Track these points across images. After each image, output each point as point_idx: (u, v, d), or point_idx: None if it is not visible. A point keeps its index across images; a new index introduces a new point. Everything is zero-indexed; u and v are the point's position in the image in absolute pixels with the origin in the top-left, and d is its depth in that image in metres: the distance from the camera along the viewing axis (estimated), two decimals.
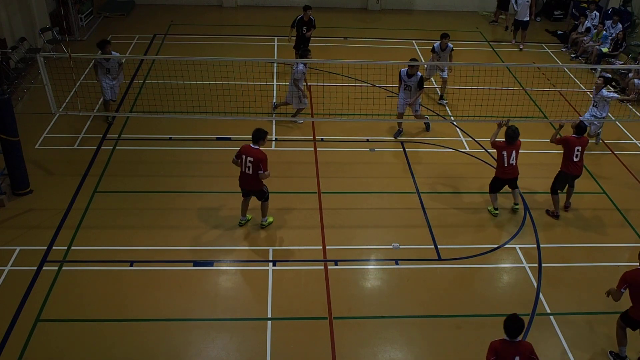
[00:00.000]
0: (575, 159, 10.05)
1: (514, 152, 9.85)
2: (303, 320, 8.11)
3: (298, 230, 9.87)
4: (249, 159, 8.92)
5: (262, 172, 9.00)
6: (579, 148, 9.98)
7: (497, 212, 10.34)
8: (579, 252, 9.69)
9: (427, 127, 13.00)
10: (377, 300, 8.59)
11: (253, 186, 9.29)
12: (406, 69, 12.21)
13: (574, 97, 14.89)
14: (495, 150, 10.14)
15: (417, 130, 13.03)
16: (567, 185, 10.48)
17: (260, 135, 8.99)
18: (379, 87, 14.43)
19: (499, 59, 17.15)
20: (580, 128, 10.08)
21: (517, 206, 10.46)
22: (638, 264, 7.31)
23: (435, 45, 13.99)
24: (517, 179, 10.26)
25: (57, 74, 11.67)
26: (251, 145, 8.99)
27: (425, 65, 14.23)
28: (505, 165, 9.92)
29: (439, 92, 14.59)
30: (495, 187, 10.30)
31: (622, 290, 7.23)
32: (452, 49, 13.90)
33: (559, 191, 10.40)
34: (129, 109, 13.37)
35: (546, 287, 8.91)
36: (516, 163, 9.97)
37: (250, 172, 9.03)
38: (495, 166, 10.25)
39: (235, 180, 11.03)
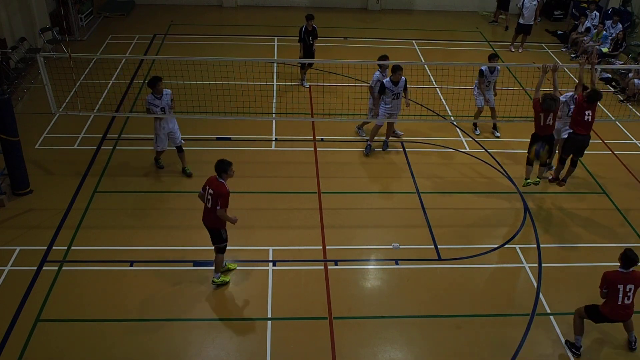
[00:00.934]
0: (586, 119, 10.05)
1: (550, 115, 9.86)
2: (303, 320, 8.11)
3: (298, 230, 9.87)
4: (209, 191, 7.97)
5: (219, 207, 7.90)
6: (589, 112, 9.97)
7: (529, 182, 10.29)
8: (579, 252, 9.69)
9: (395, 134, 12.61)
10: (377, 300, 8.59)
11: (209, 223, 8.21)
12: (387, 77, 11.23)
13: None
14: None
15: (416, 130, 13.02)
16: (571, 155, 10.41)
17: (222, 168, 7.92)
18: None
19: (499, 59, 17.12)
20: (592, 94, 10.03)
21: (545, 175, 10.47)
22: (619, 265, 7.38)
23: (482, 68, 12.29)
24: (553, 137, 10.25)
25: (57, 74, 11.66)
26: (216, 178, 7.99)
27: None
28: (542, 124, 10.01)
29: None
30: (531, 145, 10.21)
31: (604, 290, 7.43)
32: (498, 74, 12.57)
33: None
34: (129, 109, 13.37)
35: (546, 287, 8.91)
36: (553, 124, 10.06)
37: (210, 206, 8.03)
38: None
39: (235, 180, 11.01)
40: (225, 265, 8.88)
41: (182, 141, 11.02)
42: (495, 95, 12.70)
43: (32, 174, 10.60)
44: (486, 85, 12.48)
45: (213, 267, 8.67)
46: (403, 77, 11.37)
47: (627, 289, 7.32)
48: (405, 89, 11.54)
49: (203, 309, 8.28)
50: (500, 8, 20.00)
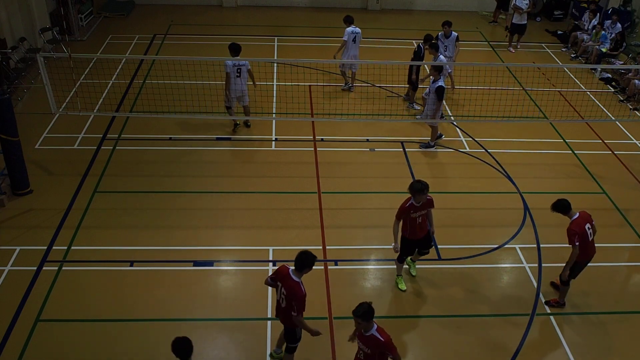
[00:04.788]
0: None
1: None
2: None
3: (298, 230, 9.87)
4: (283, 290, 6.65)
5: (294, 313, 6.61)
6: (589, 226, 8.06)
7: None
8: None
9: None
10: (377, 300, 8.55)
11: (284, 321, 6.95)
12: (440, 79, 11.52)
13: (574, 97, 14.89)
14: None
15: (416, 130, 13.02)
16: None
17: (306, 262, 6.54)
18: (379, 87, 14.43)
19: (499, 59, 17.15)
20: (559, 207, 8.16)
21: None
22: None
23: (439, 34, 13.94)
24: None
25: (57, 74, 11.67)
26: (290, 272, 6.61)
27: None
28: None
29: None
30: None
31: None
32: (458, 38, 13.99)
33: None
34: (129, 109, 13.37)
35: (546, 287, 8.91)
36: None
37: (284, 306, 6.73)
38: None
39: (235, 180, 11.08)
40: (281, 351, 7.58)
41: (246, 102, 12.32)
42: (454, 59, 13.95)
43: (32, 174, 10.60)
44: (444, 50, 13.68)
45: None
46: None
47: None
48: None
49: (203, 309, 8.27)
50: (500, 8, 20.00)
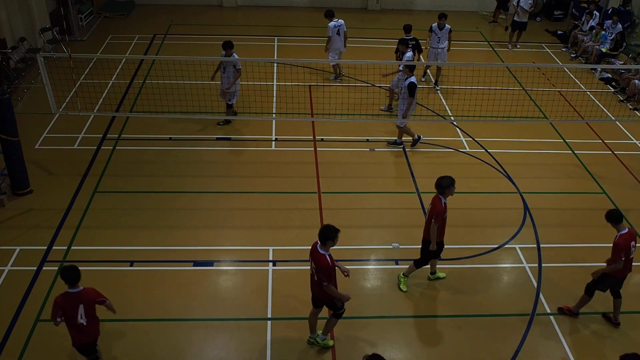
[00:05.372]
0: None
1: None
2: (303, 320, 8.10)
3: (298, 230, 9.87)
4: (313, 264, 7.10)
5: (325, 283, 7.03)
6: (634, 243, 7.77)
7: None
8: (579, 252, 9.69)
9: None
10: (377, 300, 8.59)
11: (319, 295, 7.33)
12: (412, 76, 11.49)
13: (574, 97, 14.89)
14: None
15: (416, 130, 13.01)
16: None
17: (327, 235, 6.99)
18: (379, 87, 14.43)
19: (499, 59, 17.15)
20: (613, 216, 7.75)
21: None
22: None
23: (432, 25, 14.43)
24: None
25: (57, 74, 11.67)
26: (318, 247, 7.09)
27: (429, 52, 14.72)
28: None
29: (432, 78, 15.12)
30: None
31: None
32: (451, 30, 14.39)
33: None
34: (129, 109, 13.37)
35: (546, 287, 8.91)
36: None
37: (316, 279, 7.15)
38: None
39: (235, 180, 11.08)
40: (318, 334, 7.82)
41: (229, 101, 12.53)
42: (448, 50, 14.50)
43: (32, 174, 10.60)
44: (437, 41, 14.35)
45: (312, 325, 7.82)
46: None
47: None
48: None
49: (203, 309, 8.27)
50: (500, 8, 20.00)
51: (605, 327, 8.28)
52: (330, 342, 7.75)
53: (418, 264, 8.55)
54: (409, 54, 13.00)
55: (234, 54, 11.92)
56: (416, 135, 12.27)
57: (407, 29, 13.71)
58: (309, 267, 9.05)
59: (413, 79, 11.47)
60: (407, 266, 8.75)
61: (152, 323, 8.00)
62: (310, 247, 7.22)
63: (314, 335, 7.75)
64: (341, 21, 14.40)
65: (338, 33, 14.39)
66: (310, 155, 11.91)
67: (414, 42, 13.67)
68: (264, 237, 9.67)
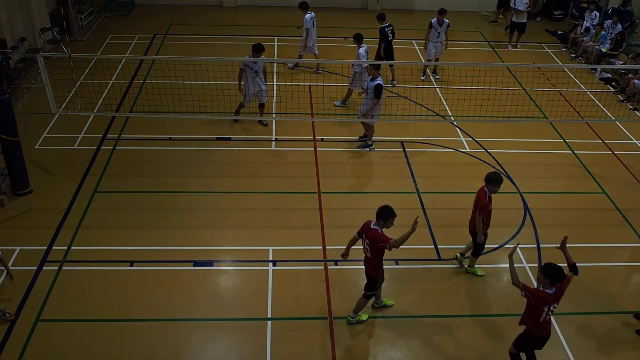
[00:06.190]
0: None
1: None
2: (303, 320, 8.11)
3: (298, 230, 9.87)
4: (367, 240, 7.49)
5: (387, 245, 7.32)
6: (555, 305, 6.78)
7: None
8: (579, 252, 9.67)
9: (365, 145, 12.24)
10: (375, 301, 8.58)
11: (369, 270, 7.76)
12: (379, 76, 11.35)
13: (574, 97, 14.89)
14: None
15: (416, 130, 13.01)
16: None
17: (383, 215, 7.37)
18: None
19: (499, 59, 17.15)
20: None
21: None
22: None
23: (432, 20, 14.84)
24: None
25: (57, 74, 11.67)
26: (372, 225, 7.46)
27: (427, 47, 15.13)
28: None
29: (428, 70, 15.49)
30: None
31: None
32: (449, 25, 14.82)
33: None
34: (129, 109, 13.37)
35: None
36: None
37: (369, 255, 7.56)
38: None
39: (235, 180, 11.08)
40: (382, 301, 8.44)
41: (266, 97, 12.57)
42: (445, 48, 15.02)
43: (32, 174, 10.60)
44: (436, 36, 14.77)
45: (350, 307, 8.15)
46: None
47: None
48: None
49: (203, 309, 8.27)
50: (501, 8, 19.98)
51: (605, 327, 8.27)
52: (364, 317, 8.20)
53: (476, 254, 8.87)
54: (362, 49, 13.18)
55: (263, 56, 12.04)
56: (371, 142, 12.16)
57: (381, 17, 14.39)
58: (308, 267, 9.14)
59: (380, 80, 11.25)
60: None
61: (152, 323, 8.00)
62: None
63: (379, 301, 8.36)
64: (313, 14, 14.89)
65: (313, 25, 14.80)
66: (310, 155, 11.91)
67: (392, 29, 14.42)
68: (263, 237, 9.67)
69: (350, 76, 13.42)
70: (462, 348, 7.88)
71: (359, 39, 13.23)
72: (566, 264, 7.02)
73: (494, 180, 8.24)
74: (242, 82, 12.12)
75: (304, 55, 15.28)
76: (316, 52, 15.25)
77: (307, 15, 14.66)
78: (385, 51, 14.54)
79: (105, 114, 12.81)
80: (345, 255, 7.92)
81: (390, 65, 14.69)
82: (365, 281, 7.87)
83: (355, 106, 13.39)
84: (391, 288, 8.81)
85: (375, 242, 7.36)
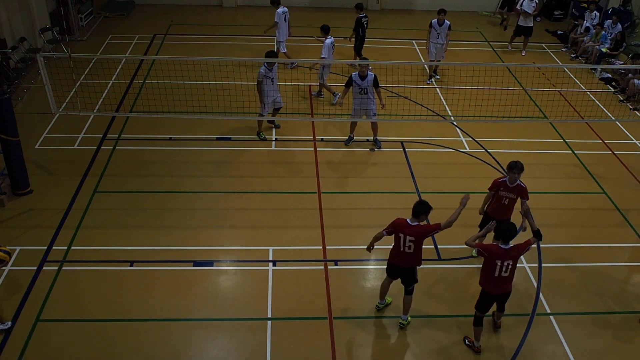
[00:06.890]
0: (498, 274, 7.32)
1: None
2: (303, 320, 8.12)
3: (298, 230, 9.87)
4: (409, 238, 7.49)
5: (435, 231, 7.62)
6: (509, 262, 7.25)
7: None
8: (579, 252, 9.69)
9: (377, 144, 12.26)
10: (377, 300, 8.58)
11: (408, 263, 7.75)
12: (357, 72, 11.55)
13: (574, 97, 14.89)
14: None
15: (416, 130, 13.02)
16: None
17: (420, 210, 7.53)
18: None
19: (499, 59, 17.15)
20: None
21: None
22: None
23: (432, 21, 14.90)
24: None
25: (57, 74, 11.66)
26: (408, 221, 7.54)
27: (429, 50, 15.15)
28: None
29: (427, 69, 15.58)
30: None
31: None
32: (450, 27, 14.80)
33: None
34: (129, 109, 13.37)
35: (546, 287, 8.91)
36: None
37: (412, 251, 7.59)
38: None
39: (235, 180, 11.08)
40: (385, 301, 8.47)
41: (282, 104, 12.36)
42: (445, 50, 15.03)
43: (32, 174, 10.60)
44: (436, 37, 14.79)
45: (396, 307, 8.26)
46: (371, 73, 11.56)
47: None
48: (375, 85, 11.55)
49: (203, 309, 8.27)
50: (504, 8, 19.88)
51: (605, 327, 8.27)
52: (389, 299, 8.43)
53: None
54: (329, 40, 13.44)
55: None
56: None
57: (359, 6, 14.95)
58: (308, 267, 9.13)
59: (370, 73, 11.55)
60: None
61: (152, 323, 8.00)
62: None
63: (382, 302, 8.36)
64: (286, 9, 15.16)
65: (285, 19, 15.05)
66: (310, 155, 11.91)
67: (367, 19, 15.12)
68: (263, 237, 9.67)
69: (319, 70, 13.79)
70: (462, 348, 7.88)
71: (326, 31, 13.52)
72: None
73: (512, 168, 8.46)
74: (262, 95, 11.86)
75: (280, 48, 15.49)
76: (284, 51, 15.39)
77: (279, 10, 14.95)
78: (359, 43, 15.09)
79: (105, 114, 12.81)
80: (370, 248, 7.95)
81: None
82: (407, 278, 7.87)
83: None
84: (391, 288, 8.79)
85: (424, 235, 7.54)
